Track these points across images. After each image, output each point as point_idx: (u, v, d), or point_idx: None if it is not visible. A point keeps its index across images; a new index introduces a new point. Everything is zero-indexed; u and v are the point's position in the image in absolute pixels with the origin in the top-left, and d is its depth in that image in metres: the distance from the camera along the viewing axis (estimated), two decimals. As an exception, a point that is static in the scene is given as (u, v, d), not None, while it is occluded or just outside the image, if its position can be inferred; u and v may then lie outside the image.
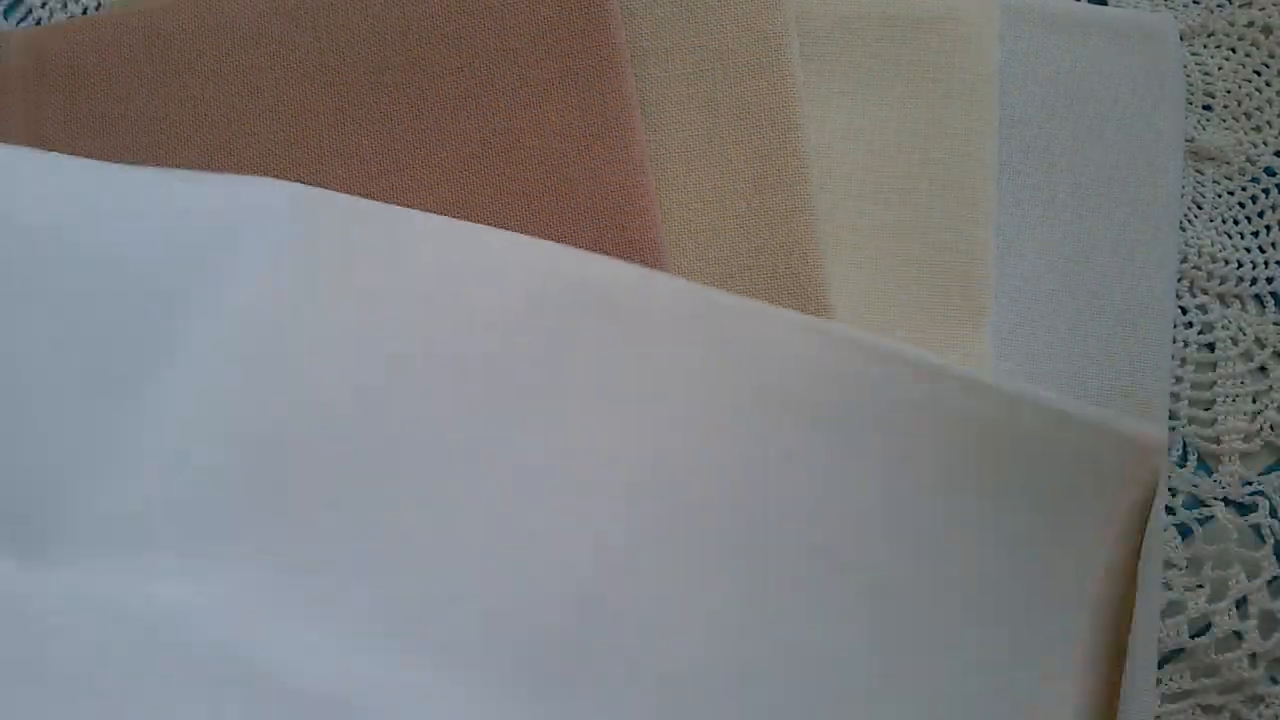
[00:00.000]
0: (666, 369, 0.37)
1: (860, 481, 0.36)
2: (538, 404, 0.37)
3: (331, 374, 0.37)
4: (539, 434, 0.37)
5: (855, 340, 0.37)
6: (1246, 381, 0.48)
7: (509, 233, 0.39)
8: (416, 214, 0.39)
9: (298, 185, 0.39)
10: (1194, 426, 0.48)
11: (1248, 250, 0.50)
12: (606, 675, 0.35)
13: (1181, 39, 0.52)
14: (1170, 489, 0.47)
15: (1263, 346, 0.49)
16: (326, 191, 0.39)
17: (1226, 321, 0.49)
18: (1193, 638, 0.45)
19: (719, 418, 0.37)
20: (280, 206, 0.39)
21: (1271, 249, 0.50)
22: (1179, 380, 0.48)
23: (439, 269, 0.38)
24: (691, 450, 0.37)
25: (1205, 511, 0.47)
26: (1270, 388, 0.48)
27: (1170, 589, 0.45)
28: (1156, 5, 0.52)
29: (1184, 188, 0.50)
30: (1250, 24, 0.52)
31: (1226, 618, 0.45)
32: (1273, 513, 0.46)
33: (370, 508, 0.36)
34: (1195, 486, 0.47)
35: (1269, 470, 0.47)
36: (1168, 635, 0.45)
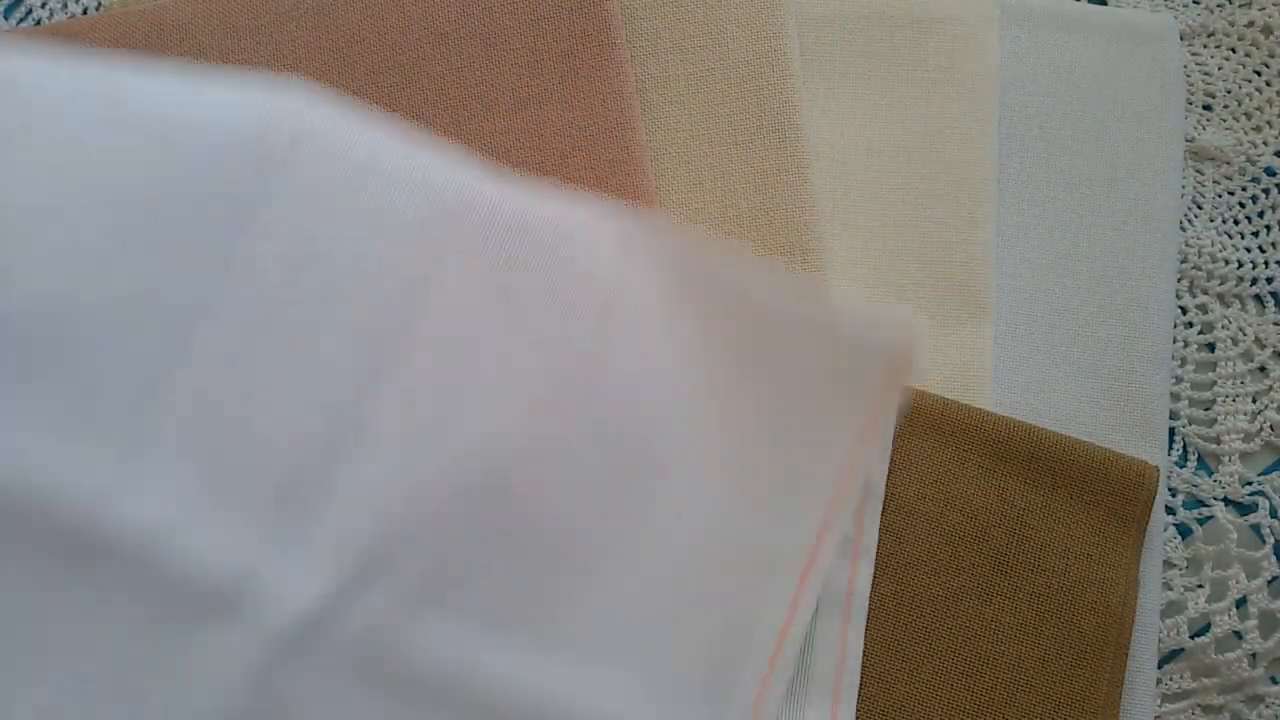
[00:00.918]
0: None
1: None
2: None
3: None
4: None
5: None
6: (1246, 381, 0.48)
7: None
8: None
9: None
10: (1194, 426, 0.48)
11: (1248, 250, 0.50)
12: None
13: (1181, 39, 0.52)
14: (1170, 489, 0.47)
15: (1263, 346, 0.49)
16: None
17: (1226, 321, 0.49)
18: (1193, 638, 0.45)
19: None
20: None
21: (1271, 249, 0.50)
22: (1179, 380, 0.48)
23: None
24: None
25: (1205, 511, 0.47)
26: (1270, 388, 0.48)
27: (1170, 589, 0.45)
28: (1156, 5, 0.52)
29: (1184, 188, 0.50)
30: (1250, 24, 0.52)
31: (1226, 618, 0.45)
32: (1273, 513, 0.46)
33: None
34: (1195, 486, 0.47)
35: (1269, 470, 0.47)
36: (1168, 635, 0.45)
